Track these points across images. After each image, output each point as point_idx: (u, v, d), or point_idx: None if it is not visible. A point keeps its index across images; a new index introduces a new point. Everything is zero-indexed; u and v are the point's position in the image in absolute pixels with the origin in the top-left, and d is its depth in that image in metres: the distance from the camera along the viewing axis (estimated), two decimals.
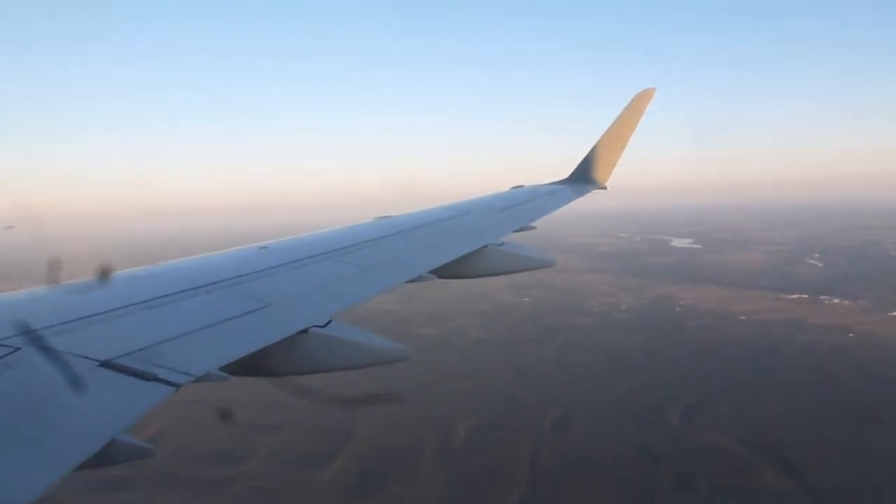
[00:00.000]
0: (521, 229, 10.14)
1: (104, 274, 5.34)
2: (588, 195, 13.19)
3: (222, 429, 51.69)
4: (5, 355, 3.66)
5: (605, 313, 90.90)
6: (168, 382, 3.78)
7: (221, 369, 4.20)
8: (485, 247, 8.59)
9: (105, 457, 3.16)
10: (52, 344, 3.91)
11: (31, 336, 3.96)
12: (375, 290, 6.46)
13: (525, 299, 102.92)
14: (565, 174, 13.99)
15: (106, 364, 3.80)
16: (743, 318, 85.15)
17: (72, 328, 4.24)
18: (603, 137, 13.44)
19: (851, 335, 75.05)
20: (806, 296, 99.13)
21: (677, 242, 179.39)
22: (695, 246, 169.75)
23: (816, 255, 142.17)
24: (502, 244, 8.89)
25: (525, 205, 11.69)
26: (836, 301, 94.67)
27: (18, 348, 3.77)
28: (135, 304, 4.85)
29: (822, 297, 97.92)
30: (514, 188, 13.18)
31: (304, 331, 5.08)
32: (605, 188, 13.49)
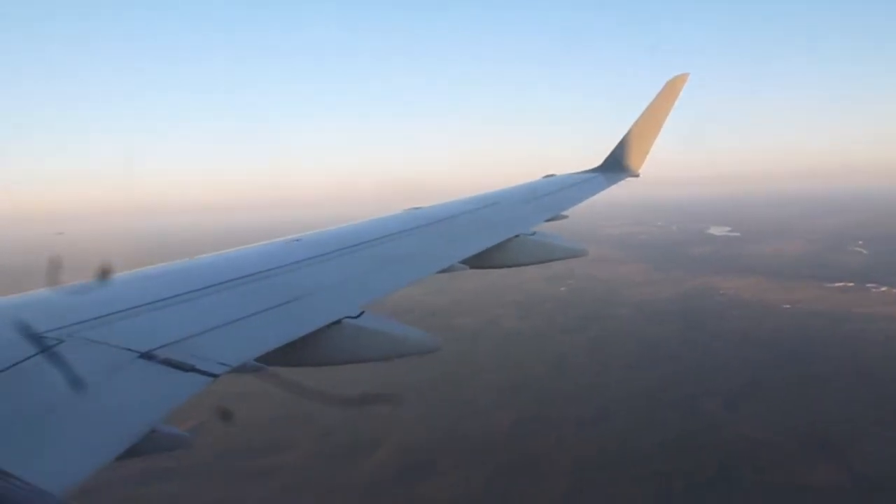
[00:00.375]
0: (552, 219, 10.09)
1: (139, 269, 5.67)
2: (621, 183, 13.11)
3: (260, 421, 52.22)
4: (50, 347, 3.79)
5: (642, 303, 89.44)
6: (205, 373, 3.88)
7: (257, 360, 4.34)
8: (516, 237, 8.55)
9: (145, 446, 3.30)
10: (93, 336, 4.05)
11: (74, 328, 4.09)
12: (406, 281, 6.60)
13: (561, 289, 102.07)
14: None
15: (145, 355, 3.93)
16: (787, 306, 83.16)
17: (112, 321, 4.38)
18: (635, 124, 13.30)
19: None
20: (851, 284, 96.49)
21: (715, 231, 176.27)
22: (733, 234, 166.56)
23: (860, 243, 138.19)
24: (533, 234, 8.86)
25: (556, 194, 11.62)
26: (884, 289, 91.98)
27: (62, 340, 3.89)
28: (172, 298, 4.98)
29: (868, 284, 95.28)
30: (545, 177, 13.12)
31: (337, 322, 5.19)
32: (637, 176, 13.39)
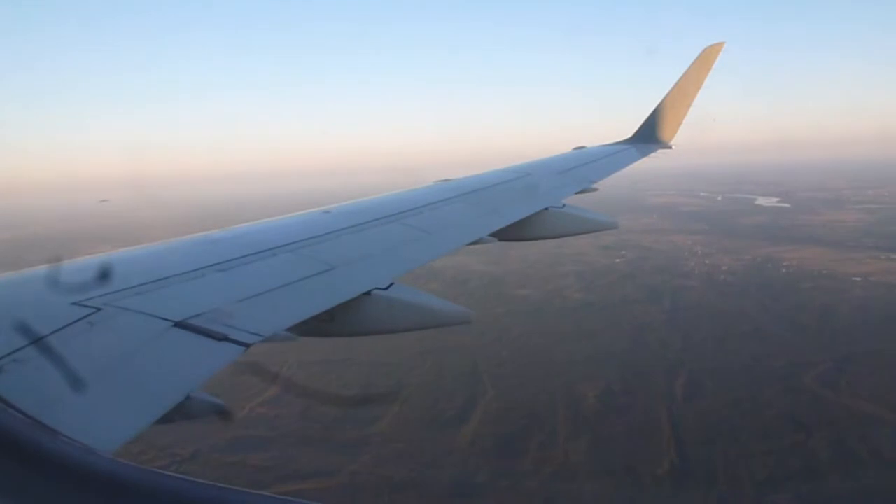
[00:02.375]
0: (582, 191, 10.06)
1: (173, 239, 5.81)
2: (653, 155, 13.03)
3: (341, 388, 51.99)
4: (88, 315, 3.85)
5: (707, 275, 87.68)
6: (238, 342, 3.92)
7: (288, 330, 4.37)
8: (545, 209, 8.53)
9: (181, 412, 3.32)
10: (129, 305, 4.10)
11: (110, 297, 4.12)
12: (437, 253, 6.63)
13: (617, 260, 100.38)
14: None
15: (180, 325, 3.98)
16: (857, 279, 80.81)
17: (147, 290, 4.42)
18: (668, 95, 13.17)
19: None
20: None
21: (763, 201, 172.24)
22: (783, 205, 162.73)
23: None
24: (563, 206, 8.79)
25: (587, 166, 11.51)
26: None
27: (99, 308, 3.95)
28: (205, 268, 4.99)
29: None
30: (575, 149, 12.97)
31: (367, 293, 5.21)
32: (670, 147, 13.25)
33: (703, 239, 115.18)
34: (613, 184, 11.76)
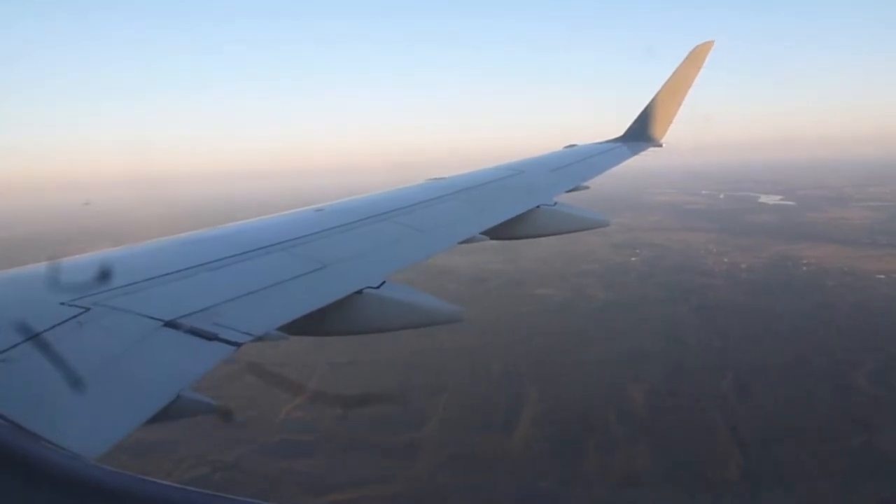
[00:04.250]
0: (574, 189, 10.12)
1: (163, 238, 5.78)
2: (645, 153, 13.06)
3: (383, 391, 50.65)
4: (77, 315, 3.81)
5: (727, 273, 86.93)
6: (229, 342, 3.92)
7: (279, 329, 4.32)
8: (537, 207, 8.54)
9: (172, 412, 3.31)
10: (118, 304, 4.07)
11: (99, 297, 4.07)
12: (429, 251, 6.60)
13: (633, 259, 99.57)
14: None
15: (170, 324, 3.97)
16: (881, 276, 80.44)
17: (137, 289, 4.35)
18: (659, 93, 13.18)
19: None
20: None
21: (766, 199, 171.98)
22: (787, 203, 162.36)
23: None
24: (555, 205, 8.82)
25: (579, 164, 11.58)
26: None
27: (88, 308, 3.92)
28: (195, 267, 4.95)
29: None
30: (566, 147, 12.99)
31: (359, 291, 5.18)
32: (661, 145, 13.29)
33: (715, 237, 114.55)
34: (612, 182, 11.88)
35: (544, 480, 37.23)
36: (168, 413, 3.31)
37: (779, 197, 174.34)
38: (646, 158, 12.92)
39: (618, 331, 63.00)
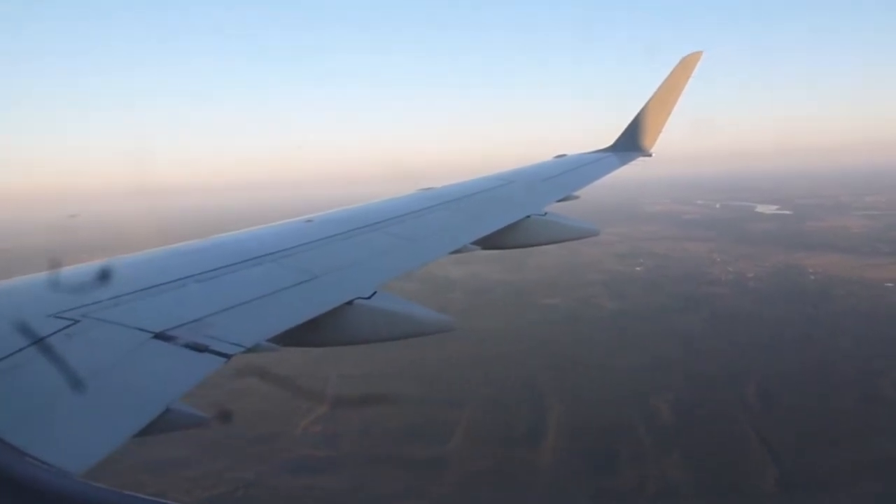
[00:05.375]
0: (565, 199, 10.12)
1: (152, 250, 5.78)
2: (635, 162, 13.14)
3: (405, 405, 49.72)
4: (65, 327, 3.77)
5: (734, 282, 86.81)
6: (219, 353, 3.87)
7: (270, 340, 4.31)
8: (527, 217, 8.55)
9: (161, 425, 3.25)
10: (107, 317, 4.02)
11: (87, 309, 4.03)
12: (420, 261, 6.59)
13: (637, 269, 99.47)
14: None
15: (160, 336, 3.92)
16: (889, 285, 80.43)
17: (125, 301, 4.32)
18: (648, 103, 13.25)
19: None
20: None
21: (763, 209, 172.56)
22: (784, 212, 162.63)
23: None
24: (545, 214, 8.85)
25: (568, 174, 11.61)
26: None
27: (77, 321, 3.87)
28: (186, 278, 4.93)
29: None
30: (556, 157, 13.02)
31: (350, 302, 5.15)
32: (650, 155, 13.35)
33: (717, 246, 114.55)
34: (604, 192, 11.90)
35: (579, 494, 36.45)
36: (158, 426, 3.23)
37: (776, 206, 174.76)
38: (636, 168, 13.03)
39: (632, 340, 62.48)
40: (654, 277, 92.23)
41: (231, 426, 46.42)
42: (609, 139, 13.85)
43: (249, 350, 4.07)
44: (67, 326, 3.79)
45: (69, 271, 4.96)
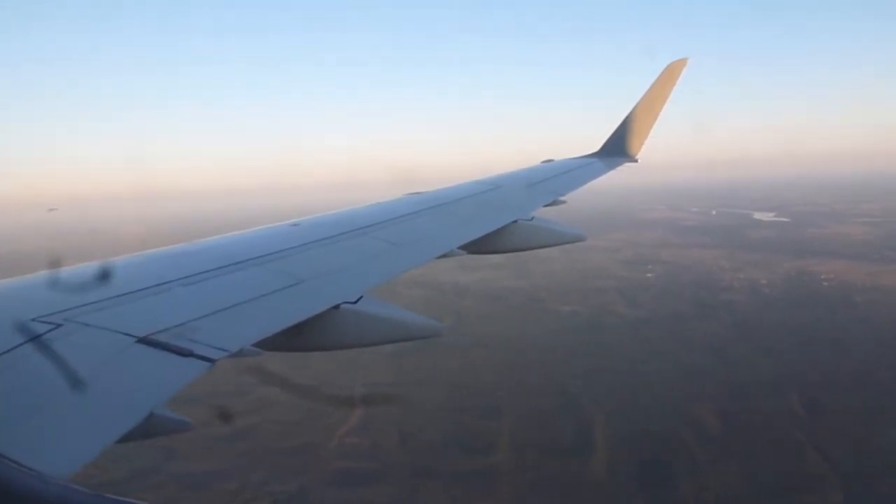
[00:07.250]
0: (551, 203, 10.14)
1: (137, 253, 5.76)
2: (621, 168, 13.22)
3: (440, 414, 48.50)
4: (47, 332, 3.70)
5: (749, 289, 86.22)
6: (203, 358, 3.83)
7: (255, 345, 4.25)
8: (514, 222, 8.57)
9: (145, 430, 3.23)
10: (90, 321, 3.96)
11: (70, 313, 3.98)
12: (406, 266, 6.57)
13: (648, 275, 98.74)
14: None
15: (143, 340, 3.86)
16: None
17: (109, 305, 4.26)
18: (634, 110, 13.34)
19: None
20: None
21: (761, 216, 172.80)
22: (782, 219, 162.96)
23: None
24: (532, 219, 8.85)
25: (555, 179, 11.61)
26: None
27: (60, 325, 3.81)
28: (170, 282, 4.90)
29: None
30: (543, 162, 13.06)
31: (336, 306, 5.13)
32: (636, 161, 13.44)
33: (723, 253, 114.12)
34: (595, 198, 11.75)
35: None
36: (141, 431, 3.19)
37: (773, 213, 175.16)
38: (626, 175, 13.09)
39: (658, 348, 61.69)
40: (667, 284, 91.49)
41: (260, 436, 45.26)
42: (597, 145, 13.93)
43: (234, 355, 4.02)
44: (50, 330, 3.72)
45: (53, 274, 4.86)
